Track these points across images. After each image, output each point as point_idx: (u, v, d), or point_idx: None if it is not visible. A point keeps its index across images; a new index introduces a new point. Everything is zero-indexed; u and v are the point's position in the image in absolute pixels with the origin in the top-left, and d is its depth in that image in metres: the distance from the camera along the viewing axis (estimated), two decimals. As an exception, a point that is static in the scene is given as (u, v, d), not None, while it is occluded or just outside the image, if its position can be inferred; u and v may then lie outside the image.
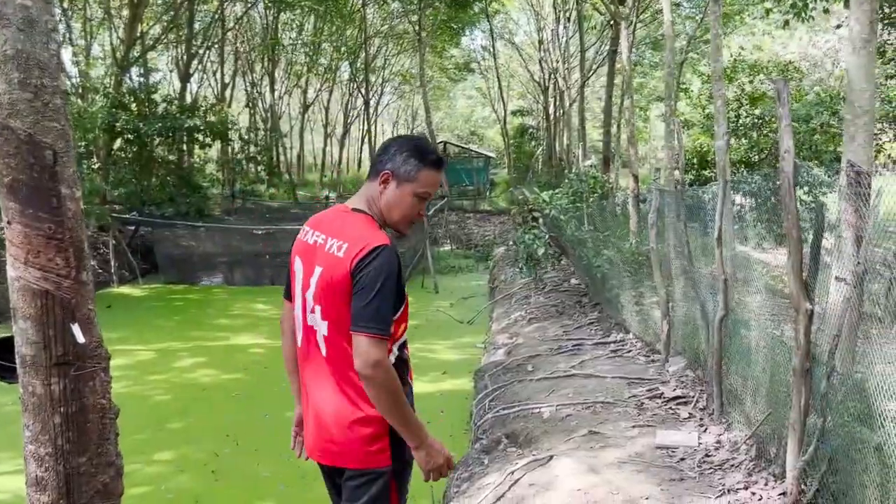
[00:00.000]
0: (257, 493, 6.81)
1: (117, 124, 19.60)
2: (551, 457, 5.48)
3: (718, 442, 5.36)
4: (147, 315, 14.85)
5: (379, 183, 2.62)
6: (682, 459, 5.16)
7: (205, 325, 14.01)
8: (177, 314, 15.14)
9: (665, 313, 7.33)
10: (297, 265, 2.64)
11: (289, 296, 2.75)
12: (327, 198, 29.73)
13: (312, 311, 2.55)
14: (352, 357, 2.40)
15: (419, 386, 9.81)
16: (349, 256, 2.44)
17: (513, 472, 5.33)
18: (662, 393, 6.59)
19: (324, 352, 2.56)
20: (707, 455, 5.18)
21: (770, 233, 6.00)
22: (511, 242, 15.32)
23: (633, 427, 5.93)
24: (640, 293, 8.69)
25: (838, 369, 3.92)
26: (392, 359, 2.49)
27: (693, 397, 6.35)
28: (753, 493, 4.39)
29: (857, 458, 3.64)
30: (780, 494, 4.23)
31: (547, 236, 9.98)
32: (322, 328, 2.53)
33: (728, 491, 4.51)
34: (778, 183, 4.29)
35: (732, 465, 4.90)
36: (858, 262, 4.44)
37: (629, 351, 8.21)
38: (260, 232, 19.39)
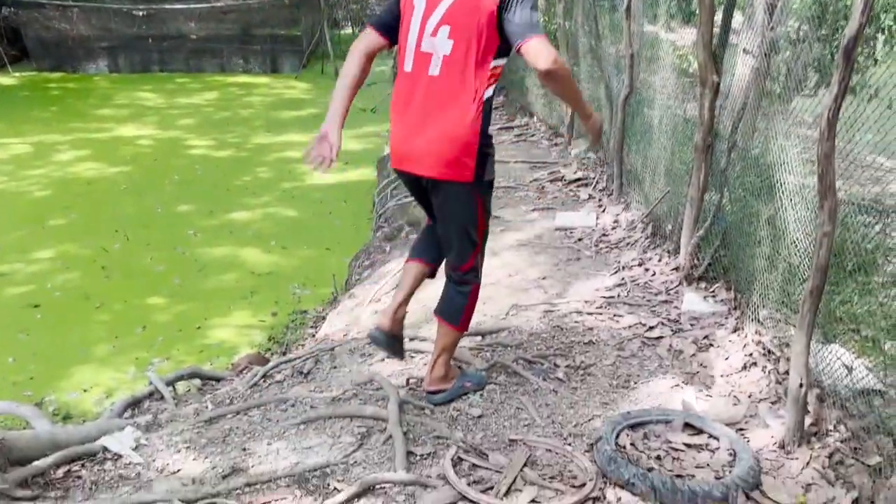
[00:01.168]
0: (151, 287, 6.61)
1: None
2: (452, 241, 5.41)
3: (616, 222, 5.39)
4: (20, 106, 13.58)
5: None
6: (580, 240, 5.19)
7: (86, 115, 12.97)
8: (54, 104, 13.91)
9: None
10: (418, 2, 2.70)
11: (380, 26, 2.82)
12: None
13: (434, 35, 2.66)
14: (464, 79, 2.62)
15: (320, 177, 9.47)
16: None
17: (413, 258, 5.26)
18: (563, 176, 6.55)
19: (438, 72, 2.67)
20: (604, 235, 5.23)
21: (680, 11, 5.70)
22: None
23: (533, 210, 5.90)
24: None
25: (740, 144, 3.84)
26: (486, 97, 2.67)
27: (594, 179, 6.33)
28: (647, 269, 4.47)
29: (750, 232, 3.67)
30: (672, 269, 4.32)
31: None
32: (445, 47, 2.64)
33: (623, 268, 4.57)
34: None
35: (628, 244, 4.96)
36: (772, 27, 4.25)
37: (533, 135, 8.06)
38: (140, 13, 17.59)
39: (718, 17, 4.77)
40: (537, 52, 2.51)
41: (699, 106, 3.98)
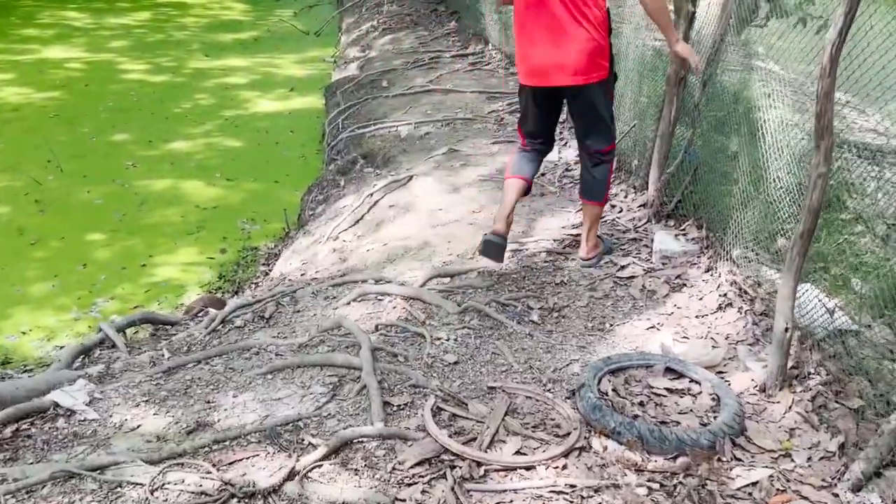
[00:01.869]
0: (91, 222, 6.25)
1: None
2: (411, 177, 5.23)
3: (578, 157, 5.26)
4: (-69, 24, 12.57)
5: None
6: (543, 174, 5.05)
7: (8, 35, 12.06)
8: (-30, 23, 12.90)
9: None
10: None
11: None
12: None
13: None
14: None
15: (265, 104, 9.06)
16: None
17: (371, 195, 5.07)
18: (523, 107, 6.36)
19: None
20: (567, 170, 5.11)
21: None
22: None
23: (494, 143, 5.73)
24: None
25: (717, 78, 3.72)
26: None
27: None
28: (613, 206, 4.38)
29: (722, 169, 3.59)
30: (640, 206, 4.24)
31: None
32: None
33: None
34: None
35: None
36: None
37: (488, 63, 7.81)
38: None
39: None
40: None
41: (672, 36, 3.82)
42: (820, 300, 2.78)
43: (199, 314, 3.94)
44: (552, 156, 5.30)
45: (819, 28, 4.86)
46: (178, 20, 13.46)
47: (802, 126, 3.23)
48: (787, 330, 2.50)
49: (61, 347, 4.71)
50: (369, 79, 7.97)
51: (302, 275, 4.53)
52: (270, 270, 5.48)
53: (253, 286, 5.38)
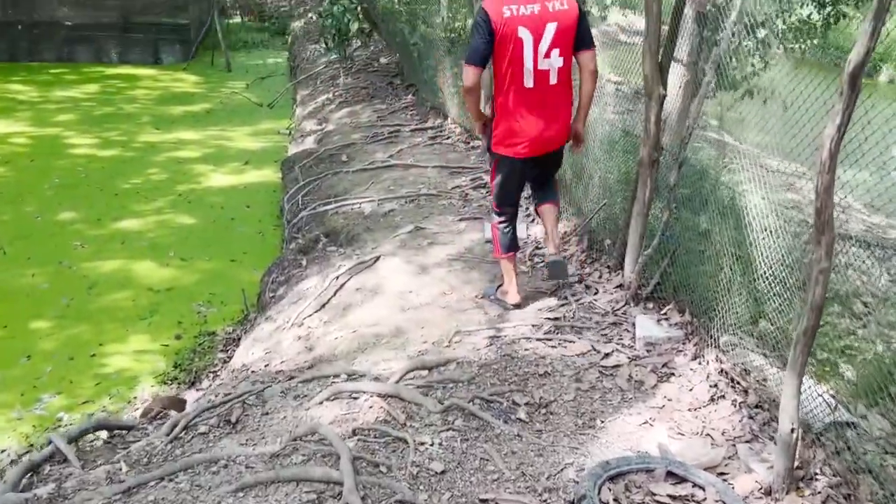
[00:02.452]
0: (36, 309, 5.92)
1: None
2: (378, 257, 5.08)
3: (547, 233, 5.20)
4: None
5: None
6: (513, 253, 4.96)
7: (-54, 110, 11.69)
8: None
9: (488, 97, 6.87)
10: (524, 32, 3.53)
11: (483, 62, 3.59)
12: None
13: (548, 56, 3.60)
14: (569, 78, 3.76)
15: (219, 178, 8.85)
16: (573, 6, 3.61)
17: (337, 277, 4.89)
18: (486, 182, 6.31)
19: (556, 81, 3.67)
20: (537, 248, 5.03)
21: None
22: (314, 16, 13.87)
23: (460, 220, 5.64)
24: (457, 73, 8.13)
25: (691, 160, 3.71)
26: None
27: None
28: (588, 287, 4.29)
29: (703, 252, 3.54)
30: (616, 287, 4.16)
31: (358, 8, 8.88)
32: (559, 63, 3.64)
33: (562, 284, 4.37)
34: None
35: (565, 258, 4.76)
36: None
37: (448, 137, 7.79)
38: (6, -4, 16.06)
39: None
40: (593, 57, 3.71)
41: (645, 119, 3.82)
42: (820, 394, 2.69)
43: (158, 417, 3.66)
44: (520, 232, 5.24)
45: (765, 100, 4.96)
46: (127, 93, 13.25)
47: (772, 202, 3.21)
48: (792, 431, 2.39)
49: (2, 451, 4.35)
50: (328, 153, 7.87)
51: (266, 366, 4.29)
52: (230, 357, 5.22)
53: (211, 375, 5.11)
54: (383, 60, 11.65)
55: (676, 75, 4.55)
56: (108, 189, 8.58)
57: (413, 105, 9.17)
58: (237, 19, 20.76)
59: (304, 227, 6.35)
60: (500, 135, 3.83)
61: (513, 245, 4.15)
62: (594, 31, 3.93)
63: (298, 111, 11.16)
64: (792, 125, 3.10)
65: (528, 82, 3.63)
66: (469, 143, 7.53)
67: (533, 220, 5.48)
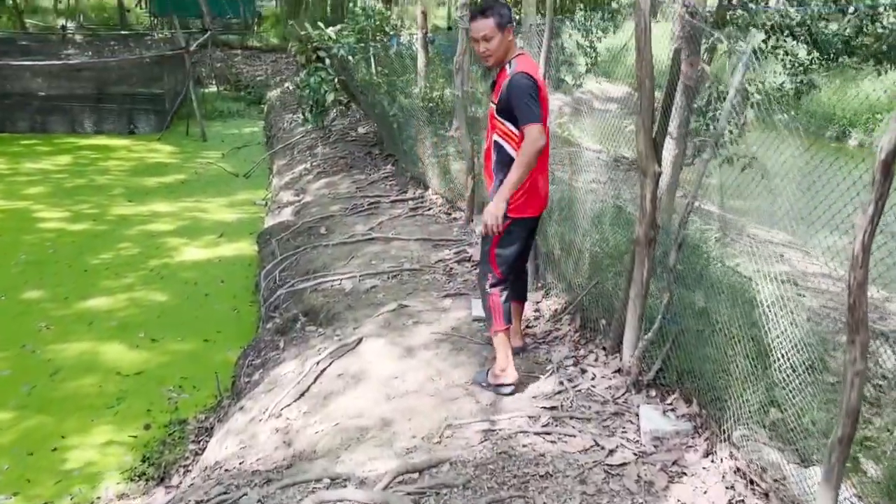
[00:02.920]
0: (-6, 398, 5.55)
1: None
2: (360, 339, 4.82)
3: (537, 310, 5.00)
4: None
5: None
6: (502, 333, 4.73)
7: (-90, 184, 11.37)
8: None
9: (470, 168, 6.76)
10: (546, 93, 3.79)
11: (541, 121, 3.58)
12: (64, 28, 25.25)
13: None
14: None
15: (193, 252, 8.60)
16: None
17: (318, 363, 4.61)
18: (471, 256, 6.12)
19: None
20: (528, 326, 4.81)
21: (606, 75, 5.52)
22: (292, 86, 13.86)
23: (445, 297, 5.42)
24: (437, 143, 8.05)
25: (691, 239, 3.54)
26: None
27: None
28: (584, 371, 4.06)
29: (712, 338, 3.34)
30: (615, 372, 3.93)
31: (335, 80, 8.83)
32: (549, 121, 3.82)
33: (557, 368, 4.14)
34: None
35: (556, 338, 4.55)
36: (701, 118, 4.06)
37: (429, 209, 7.64)
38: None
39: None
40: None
41: (640, 197, 3.66)
42: (847, 498, 2.46)
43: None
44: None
45: (744, 166, 4.85)
46: (100, 164, 13.05)
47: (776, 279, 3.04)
48: (831, 550, 2.15)
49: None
50: (306, 226, 7.66)
51: (241, 463, 3.97)
52: (202, 449, 4.87)
53: (182, 470, 4.76)
54: (361, 130, 11.59)
55: (666, 149, 4.45)
56: (76, 265, 8.27)
57: (393, 175, 9.04)
58: (213, 88, 20.79)
59: (282, 306, 6.09)
60: (523, 196, 3.71)
61: (510, 316, 3.98)
62: (568, 99, 4.05)
63: (275, 181, 11.00)
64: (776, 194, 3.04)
65: (548, 141, 3.75)
66: (451, 213, 7.38)
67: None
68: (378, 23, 10.81)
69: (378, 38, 10.83)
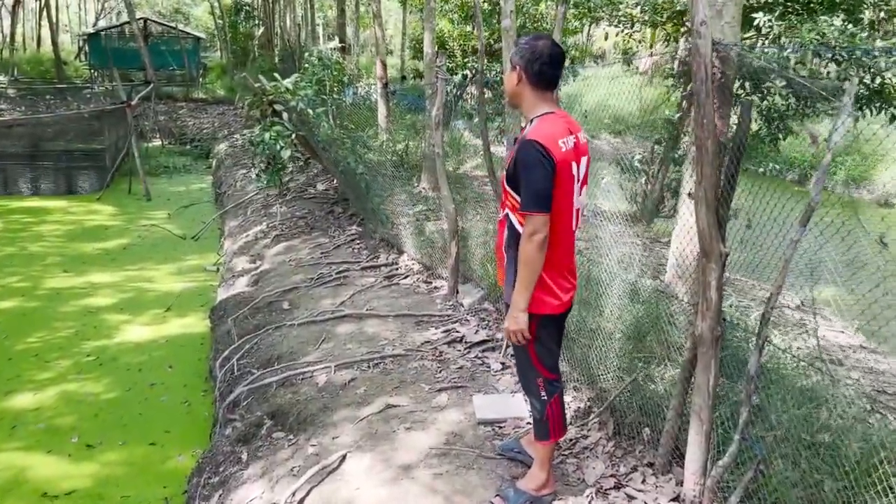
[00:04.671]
0: None
1: None
2: (343, 456, 3.94)
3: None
4: None
5: None
6: (518, 440, 3.91)
7: None
8: None
9: (454, 232, 5.99)
10: (575, 169, 2.99)
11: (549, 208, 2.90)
12: (-5, 82, 24.01)
13: (580, 194, 3.08)
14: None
15: (136, 331, 7.53)
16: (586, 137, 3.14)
17: (294, 493, 3.71)
18: (463, 336, 5.32)
19: (576, 224, 3.14)
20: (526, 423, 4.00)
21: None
22: (242, 140, 13.01)
23: (439, 391, 4.59)
24: (406, 201, 7.28)
25: (774, 339, 2.81)
26: None
27: (502, 340, 5.15)
28: (632, 498, 3.26)
29: (812, 468, 2.58)
30: (672, 501, 3.14)
31: (293, 135, 8.04)
32: (584, 200, 3.19)
33: (598, 492, 3.34)
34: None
35: (588, 448, 3.75)
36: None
37: (405, 276, 6.82)
38: None
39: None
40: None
41: (701, 284, 2.93)
42: None
43: None
44: (518, 410, 4.25)
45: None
46: (33, 229, 11.90)
47: None
48: None
49: None
50: (266, 300, 6.76)
51: None
52: None
53: None
54: (321, 186, 10.77)
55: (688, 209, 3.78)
56: (0, 353, 7.18)
57: (360, 237, 8.21)
58: (157, 142, 19.77)
59: (242, 404, 5.15)
60: (545, 290, 3.03)
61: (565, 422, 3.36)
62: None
63: (227, 244, 10.06)
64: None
65: (573, 224, 3.11)
66: (430, 282, 6.58)
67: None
68: (336, 73, 10.10)
69: (337, 89, 10.12)
